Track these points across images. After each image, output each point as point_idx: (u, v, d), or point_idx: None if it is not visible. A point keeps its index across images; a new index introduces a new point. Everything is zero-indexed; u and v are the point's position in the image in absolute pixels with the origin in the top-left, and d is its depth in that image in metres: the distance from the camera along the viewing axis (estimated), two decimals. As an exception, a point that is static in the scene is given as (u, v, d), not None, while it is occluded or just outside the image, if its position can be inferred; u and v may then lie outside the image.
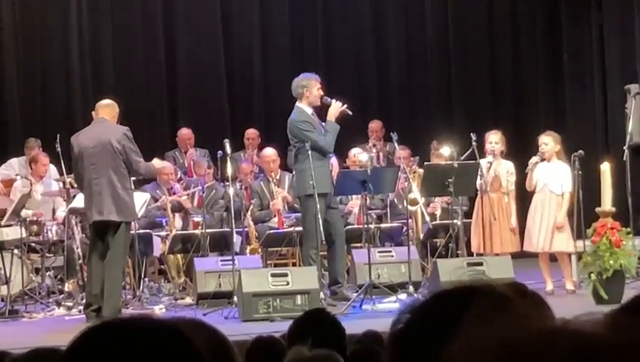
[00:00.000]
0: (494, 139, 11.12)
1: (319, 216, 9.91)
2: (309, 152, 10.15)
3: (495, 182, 11.02)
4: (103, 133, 9.65)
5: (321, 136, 10.33)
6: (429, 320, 1.48)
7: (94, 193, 9.57)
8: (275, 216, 12.22)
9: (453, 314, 1.39)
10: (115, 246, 9.58)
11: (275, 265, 11.55)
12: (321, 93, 10.46)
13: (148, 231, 11.67)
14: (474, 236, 11.01)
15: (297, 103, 10.51)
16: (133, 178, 10.14)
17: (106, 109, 9.88)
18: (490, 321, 1.07)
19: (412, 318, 1.50)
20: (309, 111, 10.46)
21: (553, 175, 10.67)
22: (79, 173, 9.83)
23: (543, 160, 10.73)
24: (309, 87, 10.44)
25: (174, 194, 12.18)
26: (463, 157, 11.16)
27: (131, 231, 10.87)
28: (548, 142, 10.75)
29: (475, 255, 11.05)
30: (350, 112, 10.51)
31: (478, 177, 10.85)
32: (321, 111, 10.65)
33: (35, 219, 11.12)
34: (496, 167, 11.03)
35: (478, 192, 10.99)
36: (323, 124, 10.50)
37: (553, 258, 10.85)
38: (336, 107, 10.40)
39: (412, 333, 1.48)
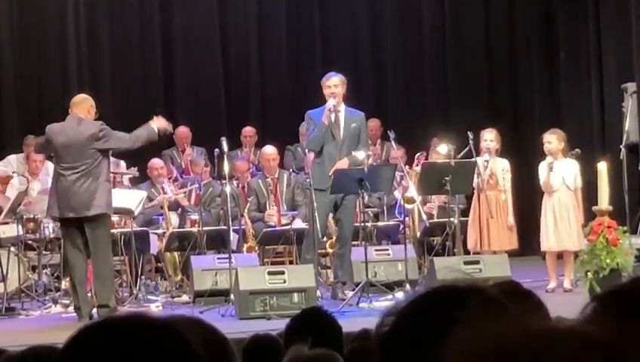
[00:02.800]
0: (489, 137, 11.14)
1: (316, 212, 9.98)
2: (316, 150, 10.35)
3: (491, 180, 11.03)
4: (77, 131, 9.60)
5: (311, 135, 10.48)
6: (416, 321, 1.47)
7: (67, 190, 9.54)
8: (267, 221, 12.29)
9: (440, 315, 1.39)
10: (98, 245, 9.55)
11: (272, 264, 11.55)
12: (331, 91, 10.50)
13: (145, 228, 11.66)
14: (470, 234, 11.02)
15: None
16: (127, 175, 10.07)
17: (79, 106, 9.82)
18: (485, 322, 1.06)
19: (399, 319, 1.50)
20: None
21: (567, 172, 10.67)
22: (55, 166, 9.87)
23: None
24: (323, 86, 10.59)
25: (165, 193, 12.19)
26: (460, 156, 11.17)
27: (127, 229, 10.90)
28: (552, 140, 10.76)
29: (471, 253, 11.07)
30: (333, 112, 10.51)
31: (475, 175, 10.86)
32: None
33: (31, 216, 11.10)
34: (492, 165, 11.04)
35: (475, 190, 11.00)
36: (351, 110, 10.71)
37: (558, 256, 10.83)
38: (327, 106, 10.47)
39: (399, 335, 1.48)
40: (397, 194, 12.38)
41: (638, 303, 1.33)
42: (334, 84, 10.57)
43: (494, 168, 11.05)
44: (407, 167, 12.15)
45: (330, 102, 10.45)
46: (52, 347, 2.85)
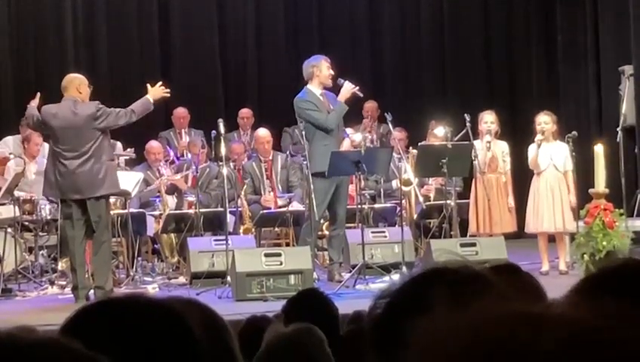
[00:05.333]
0: (489, 119, 11.13)
1: (313, 195, 9.98)
2: (304, 132, 10.31)
3: (492, 163, 11.04)
4: (74, 113, 9.56)
5: (323, 114, 10.37)
6: (407, 304, 1.47)
7: (69, 173, 9.53)
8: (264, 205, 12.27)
9: (430, 297, 1.38)
10: (99, 227, 9.56)
11: (273, 246, 11.58)
12: (332, 72, 10.52)
13: (141, 210, 11.66)
14: (472, 217, 11.01)
15: (307, 85, 10.57)
16: (124, 157, 9.99)
17: (69, 89, 9.73)
18: (463, 305, 0.99)
19: (390, 302, 1.50)
20: (318, 92, 10.51)
21: (556, 154, 10.69)
22: (52, 148, 9.82)
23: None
24: (318, 67, 10.52)
25: (162, 175, 12.18)
26: (456, 138, 11.17)
27: (124, 211, 10.90)
28: (548, 121, 10.78)
29: (469, 235, 11.08)
30: (361, 95, 10.66)
31: (475, 158, 10.86)
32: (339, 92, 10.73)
33: (28, 197, 11.11)
34: (493, 148, 11.05)
35: (476, 173, 10.99)
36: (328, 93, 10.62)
37: (550, 238, 10.86)
38: (347, 88, 10.47)
39: (391, 318, 1.48)
40: (395, 183, 12.37)
41: (629, 285, 1.32)
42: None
43: (495, 151, 11.05)
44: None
45: (354, 88, 10.46)
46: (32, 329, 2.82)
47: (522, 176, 11.46)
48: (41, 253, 11.20)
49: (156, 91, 10.01)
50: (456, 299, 1.13)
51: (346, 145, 10.55)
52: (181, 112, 13.73)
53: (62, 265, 10.94)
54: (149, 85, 10.09)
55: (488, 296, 1.04)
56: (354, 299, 8.65)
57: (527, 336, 0.91)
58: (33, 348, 1.09)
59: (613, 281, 1.32)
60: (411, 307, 1.44)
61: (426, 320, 0.98)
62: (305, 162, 10.21)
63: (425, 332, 0.97)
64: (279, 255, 9.68)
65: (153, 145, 12.41)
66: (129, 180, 10.85)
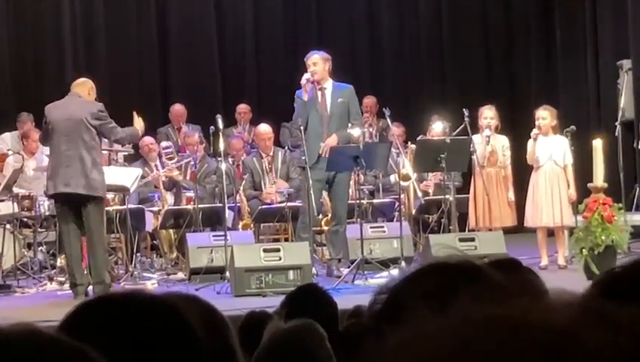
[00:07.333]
0: (489, 114, 11.13)
1: (312, 190, 9.97)
2: (302, 126, 10.30)
3: (492, 157, 11.05)
4: (75, 108, 9.60)
5: (298, 112, 10.43)
6: (407, 299, 1.47)
7: (62, 165, 9.54)
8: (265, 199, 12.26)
9: (432, 292, 1.38)
10: (93, 223, 9.56)
11: (273, 241, 11.58)
12: (312, 70, 10.45)
13: (140, 206, 11.66)
14: (472, 211, 11.02)
15: None
16: (122, 153, 10.01)
17: (80, 87, 9.86)
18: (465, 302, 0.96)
19: (391, 297, 1.49)
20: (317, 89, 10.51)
21: (556, 148, 10.70)
22: (50, 142, 9.83)
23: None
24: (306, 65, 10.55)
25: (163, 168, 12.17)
26: (455, 133, 11.17)
27: (123, 207, 10.90)
28: (546, 116, 10.78)
29: (468, 230, 11.08)
30: (312, 78, 10.36)
31: (474, 152, 10.86)
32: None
33: (27, 193, 11.11)
34: (493, 142, 11.05)
35: (476, 167, 10.99)
36: (338, 85, 10.62)
37: (549, 233, 10.87)
38: (302, 80, 10.43)
39: (391, 313, 1.48)
40: (393, 178, 12.36)
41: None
42: (313, 62, 10.51)
43: (495, 145, 11.06)
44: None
45: (304, 77, 10.42)
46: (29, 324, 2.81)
47: (522, 171, 11.46)
48: (40, 249, 11.22)
49: (140, 123, 10.17)
50: (454, 295, 1.12)
51: (329, 140, 10.45)
52: (178, 109, 13.73)
53: (61, 261, 10.94)
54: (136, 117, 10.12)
55: (467, 296, 1.00)
56: (353, 294, 8.65)
57: (508, 342, 0.88)
58: (19, 342, 1.09)
59: (624, 285, 1.30)
60: (410, 303, 1.44)
61: (406, 328, 0.94)
62: (303, 157, 10.19)
63: (405, 341, 0.93)
64: (278, 250, 9.68)
65: (145, 138, 12.39)
66: (128, 176, 10.85)
